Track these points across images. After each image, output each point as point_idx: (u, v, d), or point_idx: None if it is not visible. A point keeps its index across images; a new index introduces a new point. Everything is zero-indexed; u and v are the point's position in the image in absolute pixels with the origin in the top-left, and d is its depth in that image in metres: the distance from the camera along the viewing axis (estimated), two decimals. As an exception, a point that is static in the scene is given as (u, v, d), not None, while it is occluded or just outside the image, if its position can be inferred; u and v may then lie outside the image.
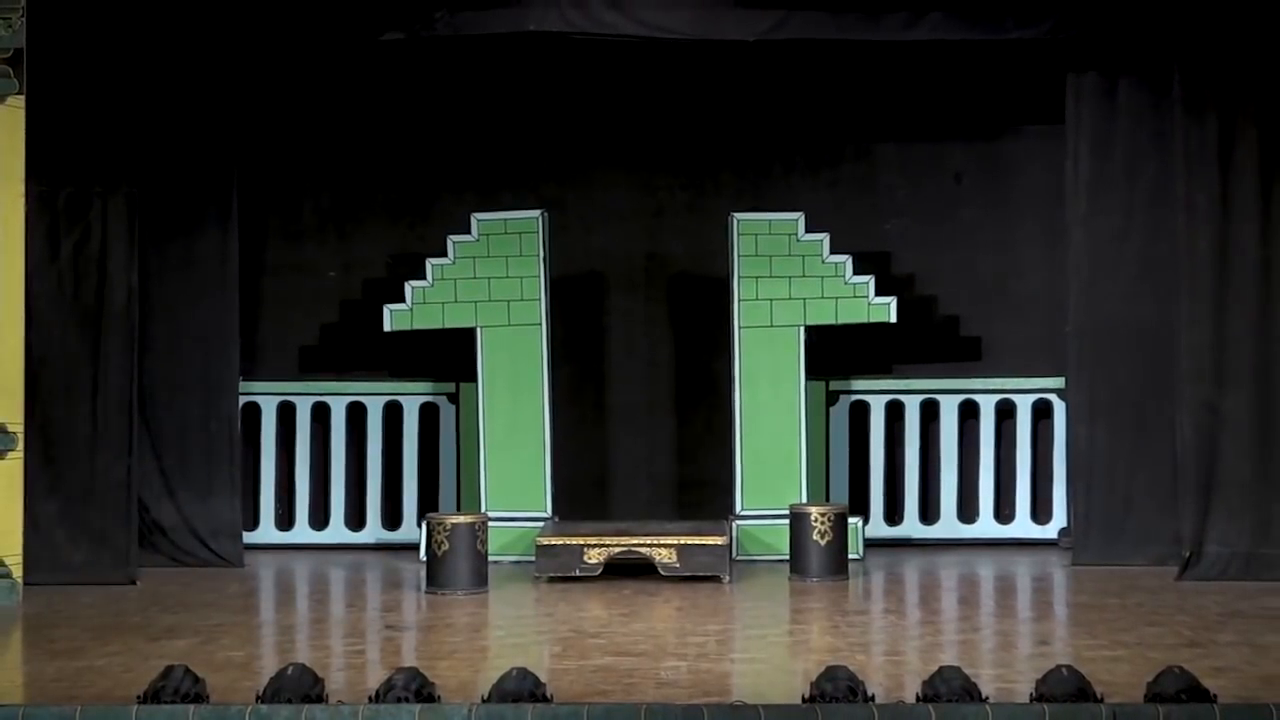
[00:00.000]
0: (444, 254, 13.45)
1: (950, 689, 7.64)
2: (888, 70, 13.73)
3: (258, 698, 7.66)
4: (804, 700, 7.63)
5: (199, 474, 13.34)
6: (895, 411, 14.32)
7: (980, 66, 13.61)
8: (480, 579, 12.13)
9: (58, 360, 12.36)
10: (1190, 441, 12.46)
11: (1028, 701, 7.65)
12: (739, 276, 13.46)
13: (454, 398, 14.21)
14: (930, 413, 14.29)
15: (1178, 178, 12.59)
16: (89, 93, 12.35)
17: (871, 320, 13.44)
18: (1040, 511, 14.18)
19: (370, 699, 7.64)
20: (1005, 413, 14.26)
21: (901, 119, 14.24)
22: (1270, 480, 12.11)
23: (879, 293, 13.38)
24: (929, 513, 14.26)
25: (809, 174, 14.14)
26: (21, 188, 11.70)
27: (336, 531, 14.26)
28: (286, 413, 14.29)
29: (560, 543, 12.59)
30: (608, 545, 12.54)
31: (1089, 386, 13.22)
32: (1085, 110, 13.18)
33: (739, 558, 13.14)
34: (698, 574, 12.38)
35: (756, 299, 13.44)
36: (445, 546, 12.05)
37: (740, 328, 13.47)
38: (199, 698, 7.66)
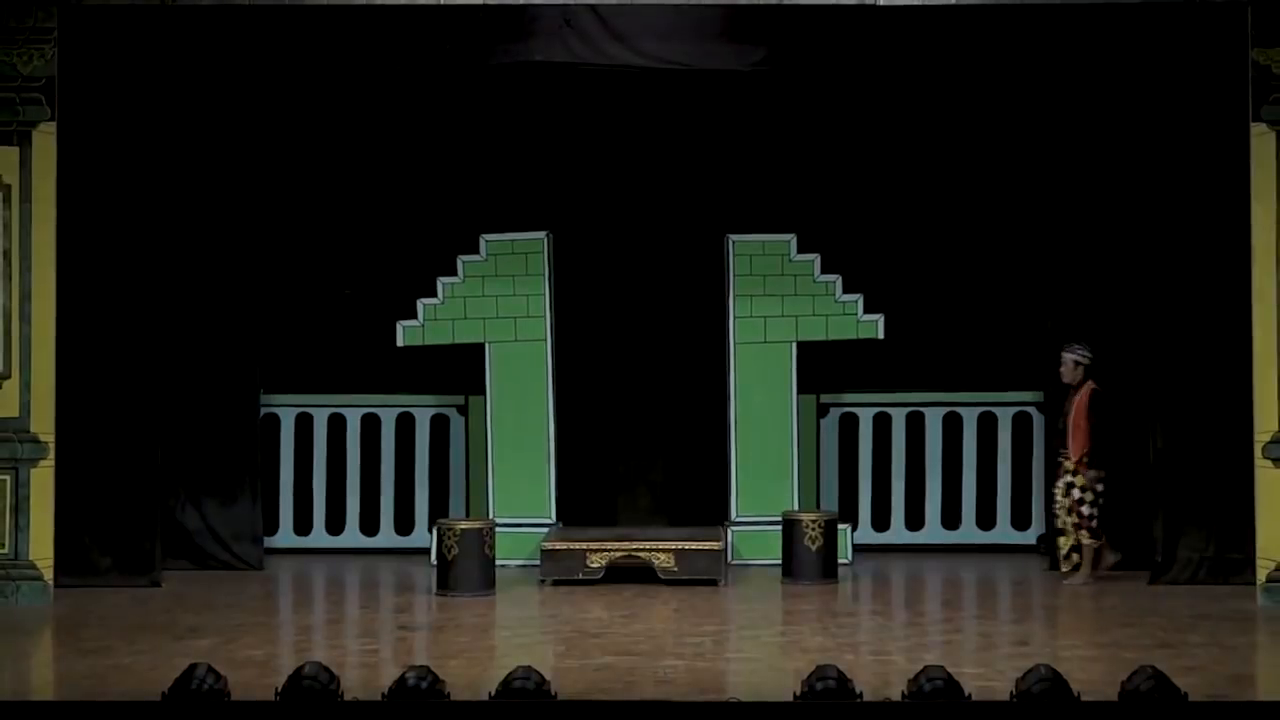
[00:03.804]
0: (454, 273, 13.66)
1: (934, 687, 7.70)
2: (878, 92, 13.71)
3: (277, 694, 7.72)
4: (795, 698, 7.68)
5: (221, 481, 13.52)
6: (883, 423, 14.43)
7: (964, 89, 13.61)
8: (488, 582, 12.34)
9: (87, 373, 12.46)
10: (1162, 451, 12.65)
11: (1008, 699, 7.71)
12: (734, 295, 13.67)
13: (463, 409, 14.36)
14: (916, 424, 14.41)
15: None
16: (118, 113, 12.52)
17: (861, 337, 13.63)
18: (1020, 518, 14.30)
19: (383, 696, 7.62)
20: (987, 424, 14.38)
21: (891, 139, 14.20)
22: (1237, 488, 12.17)
23: (867, 310, 13.59)
24: (915, 519, 14.38)
25: (802, 196, 14.13)
26: (53, 209, 11.95)
27: (351, 536, 14.37)
28: (304, 423, 14.41)
29: (564, 548, 12.81)
30: (609, 550, 12.75)
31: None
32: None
33: (734, 562, 13.32)
34: (695, 577, 12.55)
35: (751, 316, 13.66)
36: (455, 551, 12.29)
37: (735, 343, 13.69)
38: (221, 694, 7.70)
